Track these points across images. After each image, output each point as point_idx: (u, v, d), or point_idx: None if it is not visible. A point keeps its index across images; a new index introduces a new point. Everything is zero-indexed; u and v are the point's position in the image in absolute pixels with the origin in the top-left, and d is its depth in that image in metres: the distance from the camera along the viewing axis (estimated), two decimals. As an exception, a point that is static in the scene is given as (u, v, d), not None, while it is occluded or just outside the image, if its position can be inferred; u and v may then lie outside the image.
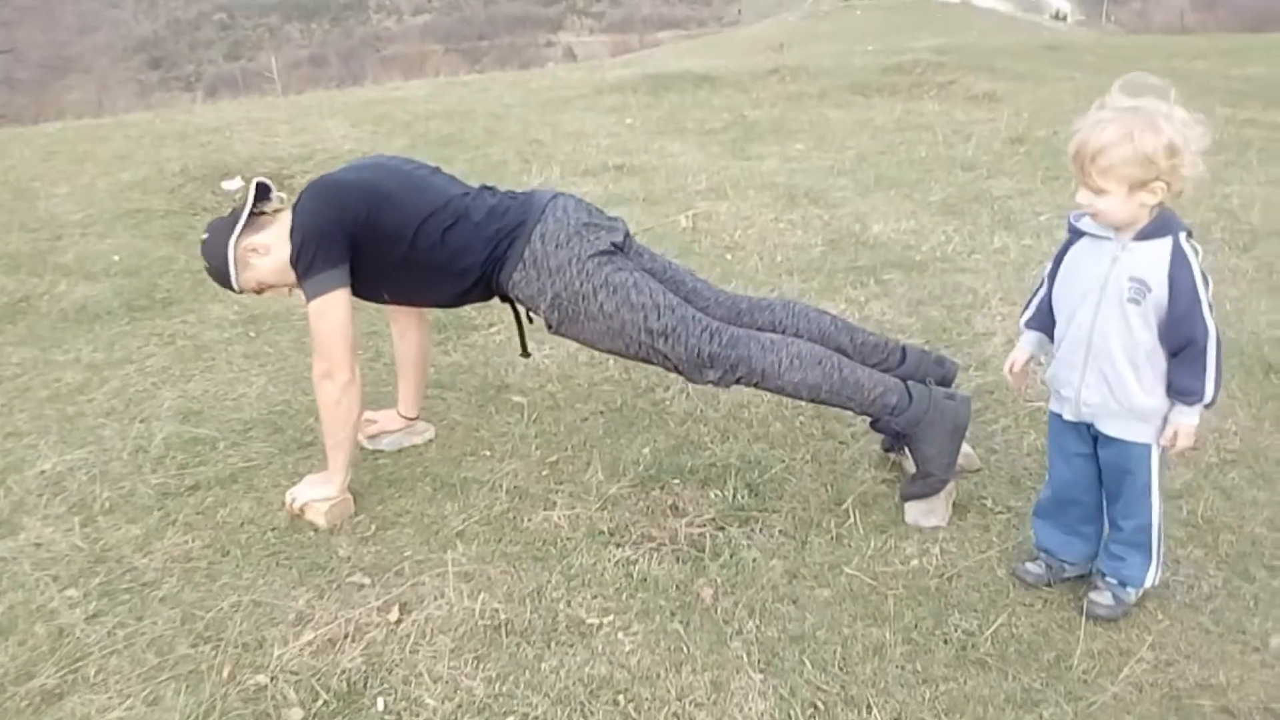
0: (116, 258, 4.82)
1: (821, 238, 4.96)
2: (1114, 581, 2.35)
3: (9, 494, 2.89)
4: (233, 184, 5.95)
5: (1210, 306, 2.09)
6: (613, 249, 2.68)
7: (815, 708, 2.10)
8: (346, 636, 2.31)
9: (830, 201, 5.55)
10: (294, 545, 2.66)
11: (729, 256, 4.73)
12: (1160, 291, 2.09)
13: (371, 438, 3.10)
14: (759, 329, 2.79)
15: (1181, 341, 2.11)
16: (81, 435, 3.21)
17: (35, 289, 4.44)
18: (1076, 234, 2.25)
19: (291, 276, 2.69)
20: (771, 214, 5.33)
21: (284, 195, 2.82)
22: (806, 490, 2.85)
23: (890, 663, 2.22)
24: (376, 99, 9.14)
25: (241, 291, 2.81)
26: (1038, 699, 2.11)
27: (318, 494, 2.74)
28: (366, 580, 2.51)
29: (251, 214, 2.75)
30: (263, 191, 2.80)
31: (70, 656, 2.26)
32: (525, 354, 3.05)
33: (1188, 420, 2.16)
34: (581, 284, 2.62)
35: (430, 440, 3.17)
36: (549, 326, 2.74)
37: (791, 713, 2.08)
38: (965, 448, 2.93)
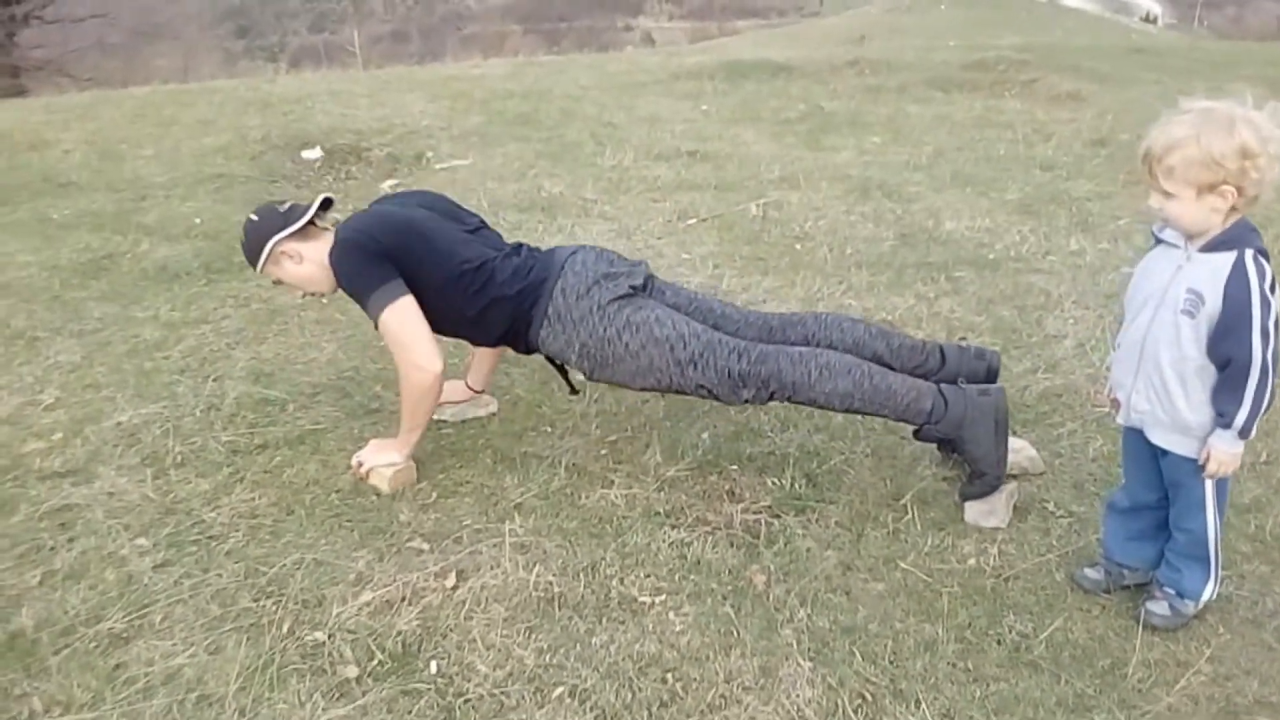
0: (198, 220, 4.93)
1: (893, 232, 4.91)
2: (1171, 592, 2.31)
3: (86, 443, 2.99)
4: (313, 153, 6.06)
5: (1265, 333, 1.97)
6: (631, 291, 2.73)
7: (863, 699, 2.10)
8: (404, 599, 2.36)
9: (904, 196, 5.50)
10: (356, 508, 2.71)
11: (798, 247, 4.71)
12: (1214, 306, 2.01)
13: (437, 406, 3.14)
14: (792, 344, 2.80)
15: (1223, 358, 2.03)
16: (157, 390, 3.30)
17: (119, 247, 4.56)
18: (1156, 241, 2.19)
19: (310, 286, 2.86)
20: (843, 206, 5.30)
21: (338, 218, 2.92)
22: (865, 483, 2.84)
23: (941, 659, 2.21)
24: (455, 76, 9.23)
25: (258, 272, 2.90)
26: (1090, 705, 2.09)
27: (383, 459, 2.79)
28: (425, 546, 2.56)
29: (309, 222, 2.85)
30: (326, 204, 2.91)
31: (138, 603, 2.34)
32: (574, 391, 3.06)
33: (1221, 445, 2.08)
34: (605, 329, 2.67)
35: (493, 414, 3.21)
36: (585, 375, 2.80)
37: (839, 702, 2.08)
38: (1030, 450, 2.90)
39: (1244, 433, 2.06)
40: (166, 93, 8.44)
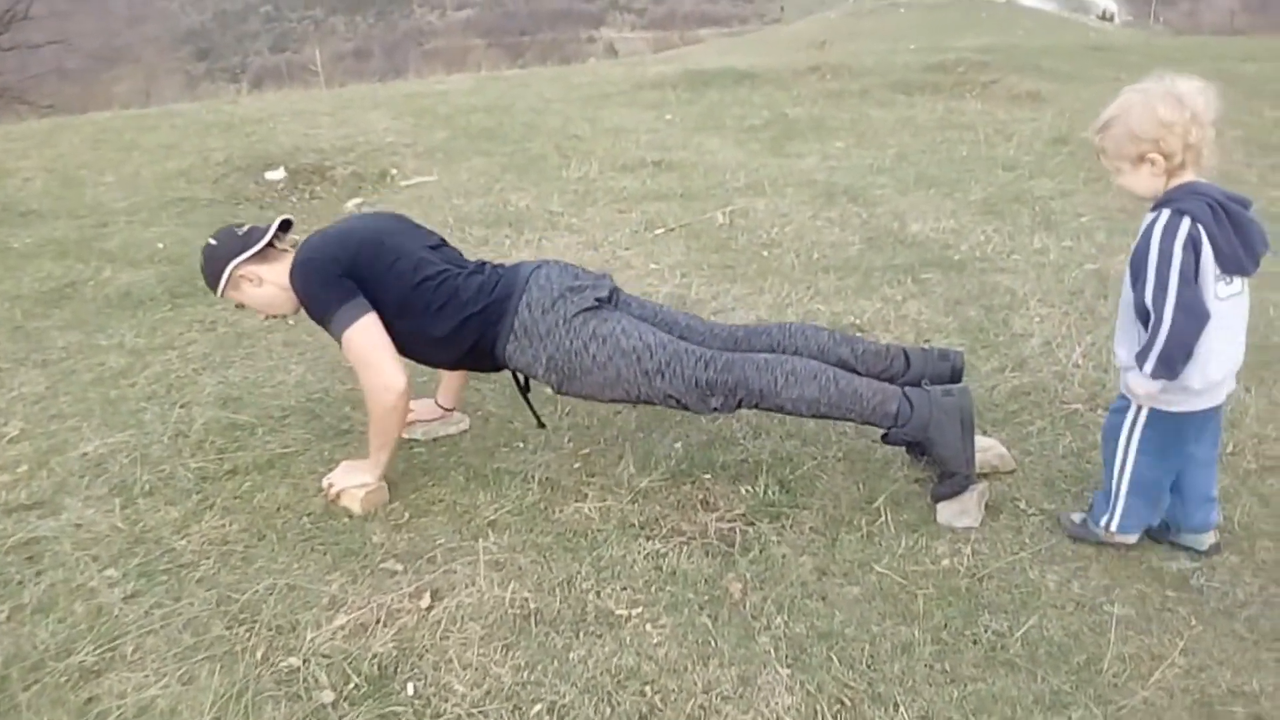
0: (161, 245, 4.90)
1: (859, 236, 4.94)
2: (1090, 509, 2.60)
3: (52, 475, 2.95)
4: (276, 174, 6.03)
5: (1161, 284, 2.17)
6: (597, 304, 2.74)
7: (842, 704, 2.10)
8: (378, 621, 2.34)
9: (869, 200, 5.53)
10: (329, 531, 2.69)
11: (765, 254, 4.72)
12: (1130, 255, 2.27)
13: (407, 425, 3.12)
14: (758, 352, 2.82)
15: (1137, 308, 2.25)
16: (123, 419, 3.27)
17: (81, 274, 4.51)
18: None
19: (272, 308, 2.85)
20: (809, 211, 5.32)
21: (297, 239, 2.92)
22: (838, 488, 2.85)
23: (918, 661, 2.21)
24: (418, 92, 9.21)
25: (219, 296, 2.89)
26: (1067, 701, 2.10)
27: (354, 481, 2.77)
28: (399, 567, 2.54)
29: (268, 244, 2.84)
30: (285, 226, 2.91)
31: (108, 635, 2.30)
32: (541, 425, 3.06)
33: (1133, 376, 2.31)
34: (571, 342, 2.68)
35: (464, 431, 3.20)
36: (552, 389, 2.80)
37: (818, 708, 2.08)
38: (1000, 448, 2.92)
39: (1139, 362, 2.26)
40: (127, 117, 8.37)
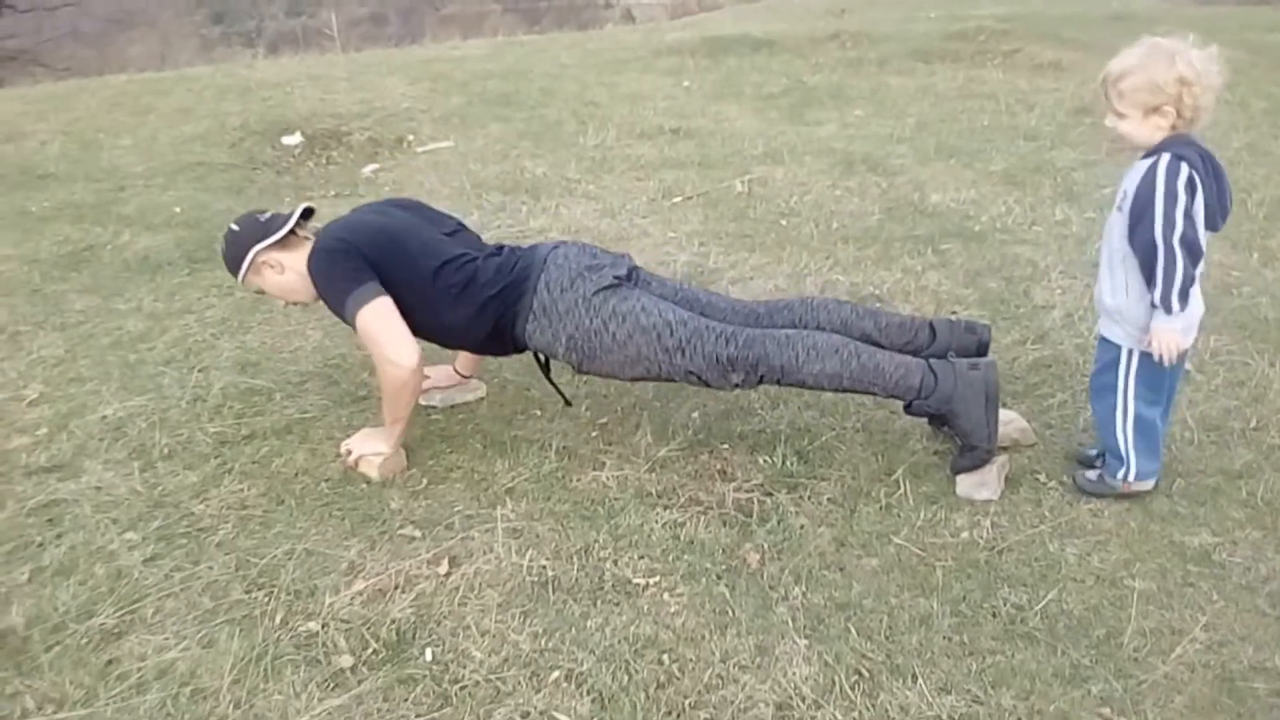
0: (178, 209, 4.89)
1: (879, 206, 4.90)
2: (1105, 466, 2.65)
3: (71, 438, 2.96)
4: (293, 139, 6.00)
5: (1170, 221, 2.25)
6: (616, 282, 2.72)
7: (860, 674, 2.10)
8: (397, 587, 2.34)
9: (889, 169, 5.48)
10: (347, 497, 2.69)
11: (784, 223, 4.69)
12: (1129, 200, 2.33)
13: (424, 392, 3.12)
14: (779, 328, 2.80)
15: (1136, 246, 2.33)
16: (142, 383, 3.27)
17: (99, 238, 4.51)
18: None
19: (292, 295, 2.85)
20: (828, 180, 5.28)
21: (318, 226, 2.90)
22: (856, 459, 2.84)
23: (937, 633, 2.21)
24: (435, 57, 9.15)
25: (240, 283, 2.90)
26: (1086, 675, 2.09)
27: (372, 447, 2.78)
28: (417, 533, 2.54)
29: (289, 232, 2.84)
30: (307, 213, 2.90)
31: (128, 597, 2.32)
32: (567, 403, 3.07)
33: (1155, 324, 2.35)
34: (591, 320, 2.66)
35: (482, 398, 3.20)
36: (573, 368, 2.79)
37: (836, 679, 2.08)
38: (1020, 421, 2.90)
39: (1166, 308, 2.32)
40: (143, 81, 8.34)
